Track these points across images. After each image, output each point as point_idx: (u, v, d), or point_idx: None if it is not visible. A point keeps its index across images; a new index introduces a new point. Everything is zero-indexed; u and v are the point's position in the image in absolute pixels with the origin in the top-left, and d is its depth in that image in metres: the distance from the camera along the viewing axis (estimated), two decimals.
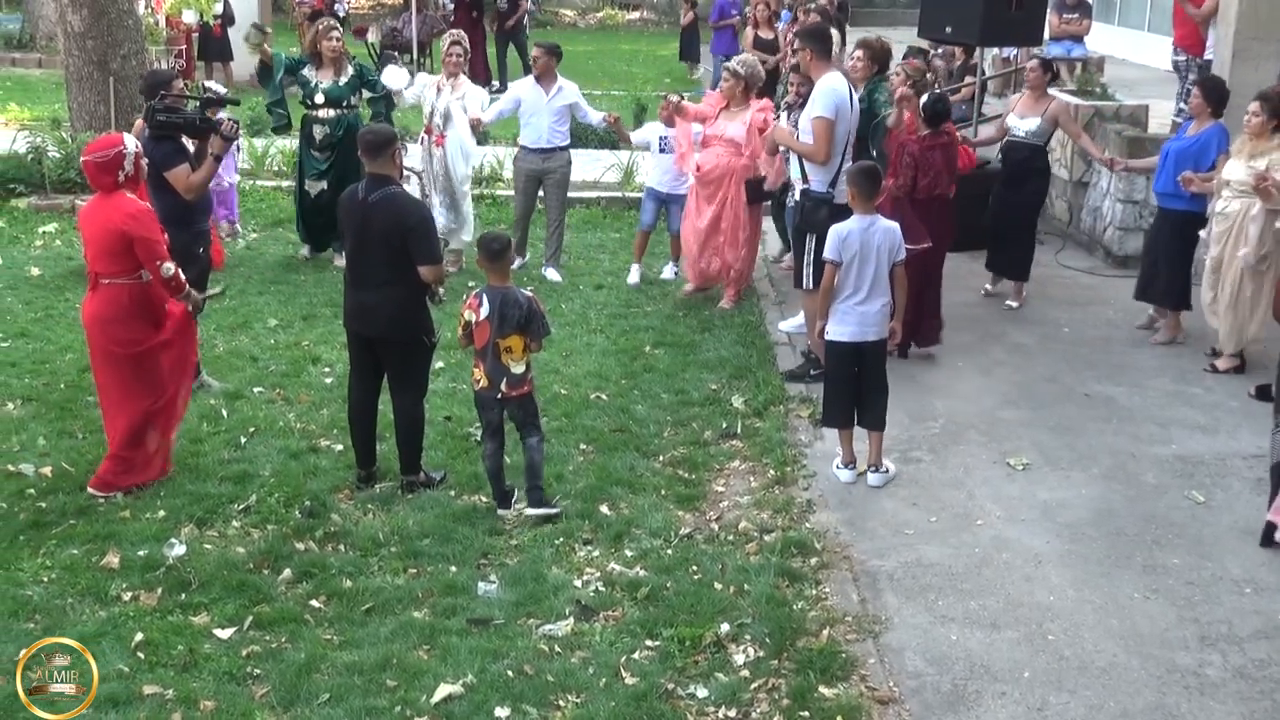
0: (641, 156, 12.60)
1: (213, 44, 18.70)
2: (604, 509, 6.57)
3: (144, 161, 6.84)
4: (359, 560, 6.04)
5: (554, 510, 6.50)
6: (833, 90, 7.78)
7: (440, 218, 10.21)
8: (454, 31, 11.63)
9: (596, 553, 6.16)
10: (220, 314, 9.29)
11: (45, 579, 5.78)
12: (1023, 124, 9.91)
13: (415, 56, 20.87)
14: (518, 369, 6.41)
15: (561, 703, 4.97)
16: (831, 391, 7.06)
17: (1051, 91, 10.44)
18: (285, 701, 4.96)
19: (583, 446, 7.34)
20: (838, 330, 6.90)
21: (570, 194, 13.08)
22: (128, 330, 6.60)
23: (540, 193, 10.71)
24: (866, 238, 6.79)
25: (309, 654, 5.23)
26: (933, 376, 8.40)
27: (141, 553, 5.99)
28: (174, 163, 7.55)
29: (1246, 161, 8.27)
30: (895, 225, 6.96)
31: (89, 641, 5.25)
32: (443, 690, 4.98)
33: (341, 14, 22.16)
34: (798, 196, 8.23)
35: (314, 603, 5.67)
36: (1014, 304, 9.97)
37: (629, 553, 6.15)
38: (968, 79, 13.63)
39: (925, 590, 5.84)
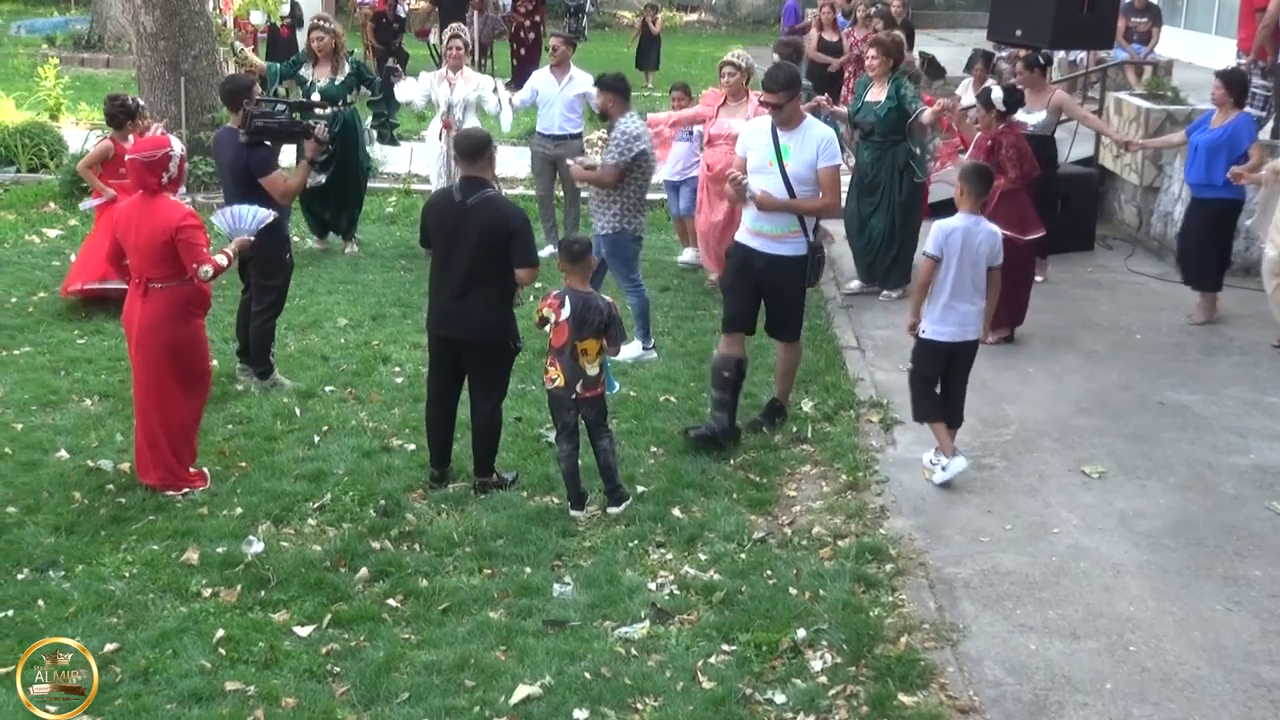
0: None
1: (280, 45, 18.86)
2: (676, 512, 6.56)
3: (186, 165, 6.87)
4: (434, 560, 6.07)
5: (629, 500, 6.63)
6: (833, 135, 7.34)
7: None
8: (453, 25, 11.82)
9: (670, 556, 6.16)
10: (291, 313, 9.35)
11: (127, 574, 5.85)
12: (1029, 117, 10.11)
13: (477, 59, 20.93)
14: (592, 370, 6.46)
15: (640, 706, 4.97)
16: (922, 388, 7.01)
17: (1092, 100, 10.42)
18: (365, 700, 4.99)
19: (653, 449, 7.34)
20: (938, 330, 6.86)
21: None
22: (188, 330, 6.67)
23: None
24: (969, 237, 6.77)
25: (388, 653, 5.26)
26: (1004, 382, 8.33)
27: (220, 549, 6.06)
28: (270, 168, 7.67)
29: None
30: (997, 229, 6.93)
31: (171, 637, 5.35)
32: (521, 691, 4.99)
33: (403, 14, 22.28)
34: (787, 251, 7.27)
35: (391, 601, 5.70)
36: (1039, 278, 10.11)
37: (702, 556, 6.14)
38: None
39: (1003, 599, 5.79)
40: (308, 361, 8.56)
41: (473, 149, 6.55)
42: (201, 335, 6.79)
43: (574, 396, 6.47)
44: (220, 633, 5.36)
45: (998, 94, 8.80)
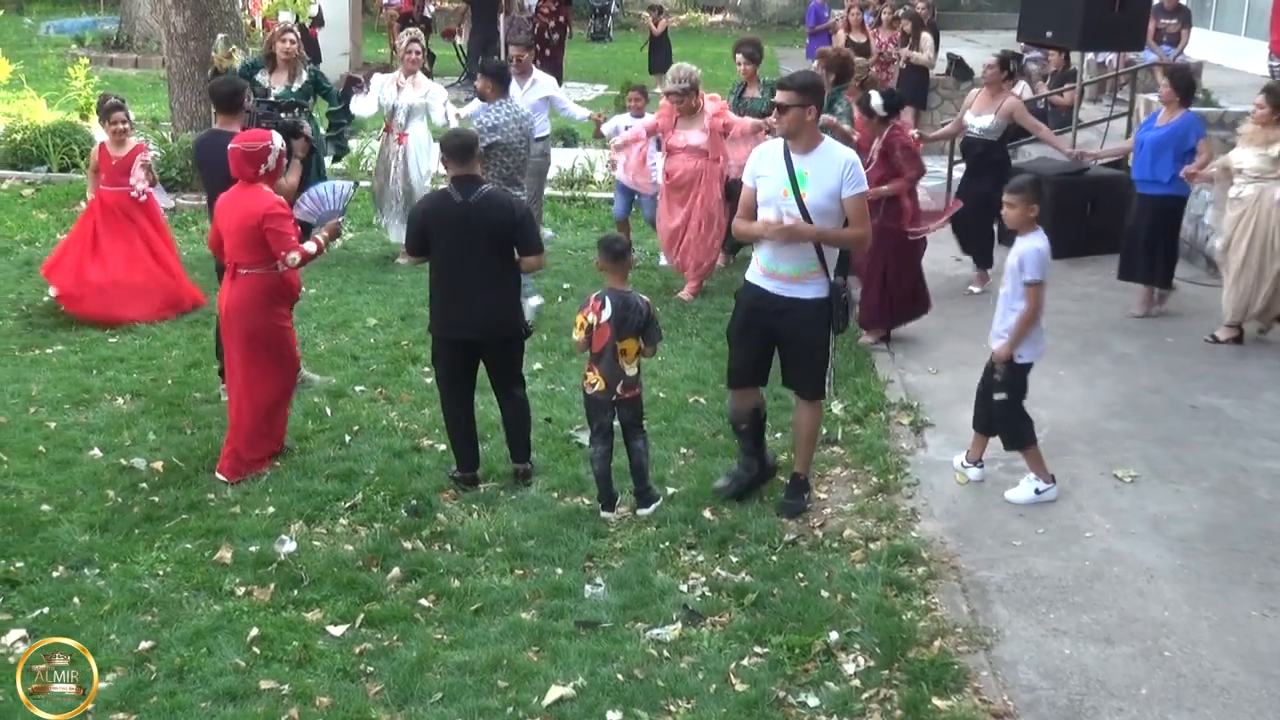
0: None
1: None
2: (707, 514, 6.55)
3: (284, 160, 7.03)
4: (465, 560, 6.08)
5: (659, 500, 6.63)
6: (857, 159, 6.46)
7: (399, 215, 10.78)
8: (411, 29, 11.81)
9: (701, 557, 6.15)
10: (320, 313, 9.43)
11: (161, 572, 5.88)
12: (978, 120, 10.24)
13: (503, 58, 20.95)
14: (631, 371, 6.48)
15: (673, 708, 4.97)
16: (1023, 412, 6.82)
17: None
18: (399, 700, 5.00)
19: (683, 450, 7.33)
20: (1034, 351, 6.74)
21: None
22: (268, 316, 6.85)
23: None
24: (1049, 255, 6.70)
25: (421, 653, 5.27)
26: (1035, 386, 8.17)
27: (253, 548, 6.08)
28: None
29: (1259, 149, 8.75)
30: None
31: (205, 635, 5.37)
32: (554, 692, 5.00)
33: (429, 15, 22.34)
34: (806, 294, 6.38)
35: (423, 601, 5.71)
36: (975, 289, 10.37)
37: (734, 558, 6.13)
38: (1067, 85, 13.45)
39: (1036, 603, 5.77)
40: (338, 361, 8.59)
41: (462, 149, 6.59)
42: (286, 324, 6.97)
43: (614, 399, 6.49)
44: (254, 631, 5.39)
45: (876, 101, 8.84)
